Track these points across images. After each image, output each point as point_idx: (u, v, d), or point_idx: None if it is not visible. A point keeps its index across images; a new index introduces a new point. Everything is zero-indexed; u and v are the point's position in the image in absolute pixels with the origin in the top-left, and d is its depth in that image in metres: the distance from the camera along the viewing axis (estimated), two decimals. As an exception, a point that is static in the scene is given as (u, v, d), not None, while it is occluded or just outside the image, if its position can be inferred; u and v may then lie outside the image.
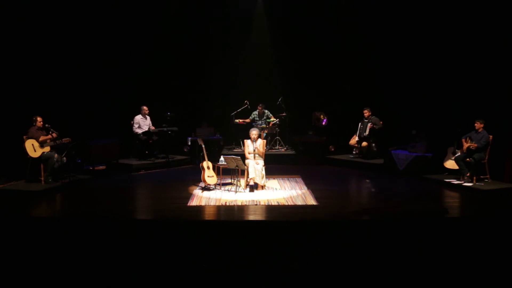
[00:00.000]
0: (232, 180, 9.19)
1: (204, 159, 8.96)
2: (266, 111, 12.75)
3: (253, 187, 8.77)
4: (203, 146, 9.02)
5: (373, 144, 11.31)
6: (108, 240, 6.29)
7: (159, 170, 11.02)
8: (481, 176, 9.01)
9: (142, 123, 11.31)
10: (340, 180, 10.07)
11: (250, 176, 8.69)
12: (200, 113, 12.94)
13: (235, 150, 12.09)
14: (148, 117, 11.39)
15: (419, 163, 10.07)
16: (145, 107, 11.33)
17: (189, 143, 11.94)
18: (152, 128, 11.32)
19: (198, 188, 9.07)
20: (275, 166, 10.95)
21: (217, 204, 8.00)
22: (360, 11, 12.14)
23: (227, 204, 8.00)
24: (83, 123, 10.98)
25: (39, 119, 9.15)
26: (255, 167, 8.73)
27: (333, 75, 12.74)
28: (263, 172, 8.89)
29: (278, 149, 12.67)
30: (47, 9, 10.45)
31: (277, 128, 12.63)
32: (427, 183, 9.47)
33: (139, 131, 11.23)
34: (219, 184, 9.05)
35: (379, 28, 11.86)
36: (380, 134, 11.26)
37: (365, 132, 11.27)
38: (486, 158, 9.01)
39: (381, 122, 11.24)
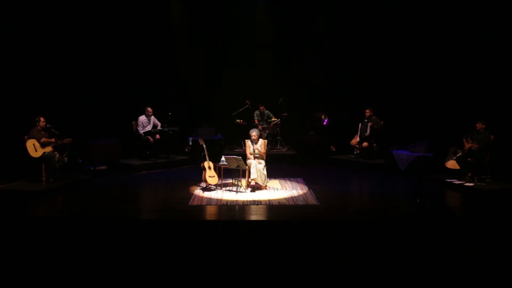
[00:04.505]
0: (233, 180, 9.20)
1: (205, 159, 8.97)
2: (267, 111, 12.77)
3: (254, 187, 8.78)
4: (204, 146, 9.02)
5: (374, 144, 11.31)
6: (109, 240, 6.29)
7: (160, 170, 11.02)
8: (482, 176, 9.00)
9: (146, 124, 11.31)
10: (342, 180, 10.07)
11: (252, 177, 8.69)
12: (201, 113, 12.96)
13: (236, 150, 12.09)
14: (152, 118, 11.39)
15: (420, 163, 10.07)
16: (149, 108, 11.32)
17: (190, 143, 11.94)
18: (158, 124, 11.37)
19: (199, 188, 9.07)
20: (276, 166, 10.95)
21: (218, 204, 8.01)
22: (360, 10, 12.15)
23: (228, 204, 8.01)
24: (84, 123, 10.99)
25: (42, 119, 9.16)
26: (257, 167, 8.73)
27: (333, 75, 12.77)
28: (265, 172, 8.89)
29: (279, 149, 12.69)
30: (49, 9, 10.46)
31: (278, 128, 12.65)
32: (429, 183, 9.46)
33: (141, 130, 11.24)
34: (220, 184, 9.05)
35: (380, 27, 11.87)
36: (381, 134, 11.26)
37: (366, 132, 11.28)
38: (487, 158, 9.00)
39: (381, 122, 11.24)
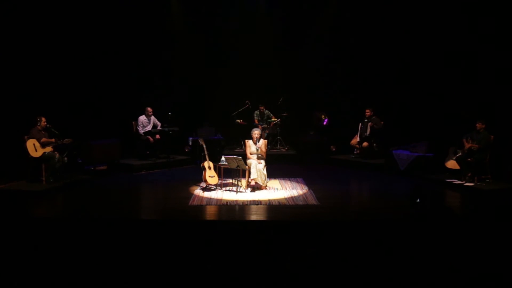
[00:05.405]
0: (233, 180, 9.20)
1: (205, 159, 8.97)
2: (267, 111, 12.77)
3: (254, 187, 8.78)
4: (204, 146, 9.02)
5: (374, 144, 11.30)
6: (109, 240, 6.29)
7: (160, 170, 11.02)
8: (482, 176, 9.00)
9: (146, 124, 11.31)
10: (342, 180, 10.06)
11: (252, 177, 8.69)
12: (201, 113, 12.96)
13: (236, 150, 12.09)
14: (152, 118, 11.40)
15: (420, 163, 10.07)
16: (149, 108, 11.32)
17: (190, 143, 11.95)
18: (158, 124, 11.38)
19: (199, 188, 9.07)
20: (276, 166, 10.94)
21: (218, 204, 8.01)
22: (360, 9, 12.15)
23: (228, 204, 8.01)
24: (84, 123, 10.99)
25: (43, 119, 9.16)
26: (257, 167, 8.73)
27: (334, 75, 12.78)
28: (265, 172, 8.89)
29: (279, 149, 12.68)
30: (50, 9, 10.46)
31: (278, 128, 12.65)
32: (428, 183, 9.46)
33: (141, 130, 11.24)
34: (220, 184, 9.05)
35: (379, 26, 11.88)
36: (381, 134, 11.26)
37: (366, 132, 11.28)
38: (487, 158, 9.00)
39: (381, 122, 11.23)
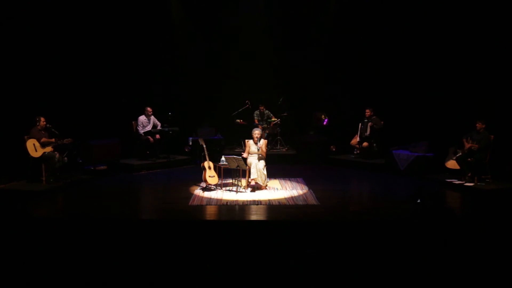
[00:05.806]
0: (233, 180, 9.20)
1: (205, 159, 8.97)
2: (267, 111, 12.77)
3: (254, 187, 8.78)
4: (204, 146, 9.02)
5: (374, 144, 11.30)
6: (109, 240, 6.30)
7: (160, 170, 11.02)
8: (482, 176, 9.00)
9: (146, 124, 11.31)
10: (341, 180, 10.07)
11: (252, 177, 8.69)
12: (201, 113, 12.96)
13: (236, 150, 12.09)
14: (152, 118, 11.40)
15: (420, 163, 10.07)
16: (148, 108, 11.33)
17: (190, 143, 11.95)
18: (158, 124, 11.39)
19: (199, 188, 9.07)
20: (276, 166, 10.94)
21: (218, 204, 8.01)
22: (360, 9, 12.15)
23: (228, 204, 8.01)
24: (84, 123, 10.99)
25: (42, 119, 9.17)
26: (257, 167, 8.73)
27: (333, 75, 12.77)
28: (265, 172, 8.89)
29: (279, 149, 12.68)
30: (50, 10, 10.46)
31: (278, 128, 12.65)
32: (428, 183, 9.46)
33: (141, 130, 11.24)
34: (220, 184, 9.05)
35: (380, 27, 11.87)
36: (381, 134, 11.26)
37: (366, 132, 11.28)
38: (487, 158, 9.00)
39: (381, 122, 11.23)
